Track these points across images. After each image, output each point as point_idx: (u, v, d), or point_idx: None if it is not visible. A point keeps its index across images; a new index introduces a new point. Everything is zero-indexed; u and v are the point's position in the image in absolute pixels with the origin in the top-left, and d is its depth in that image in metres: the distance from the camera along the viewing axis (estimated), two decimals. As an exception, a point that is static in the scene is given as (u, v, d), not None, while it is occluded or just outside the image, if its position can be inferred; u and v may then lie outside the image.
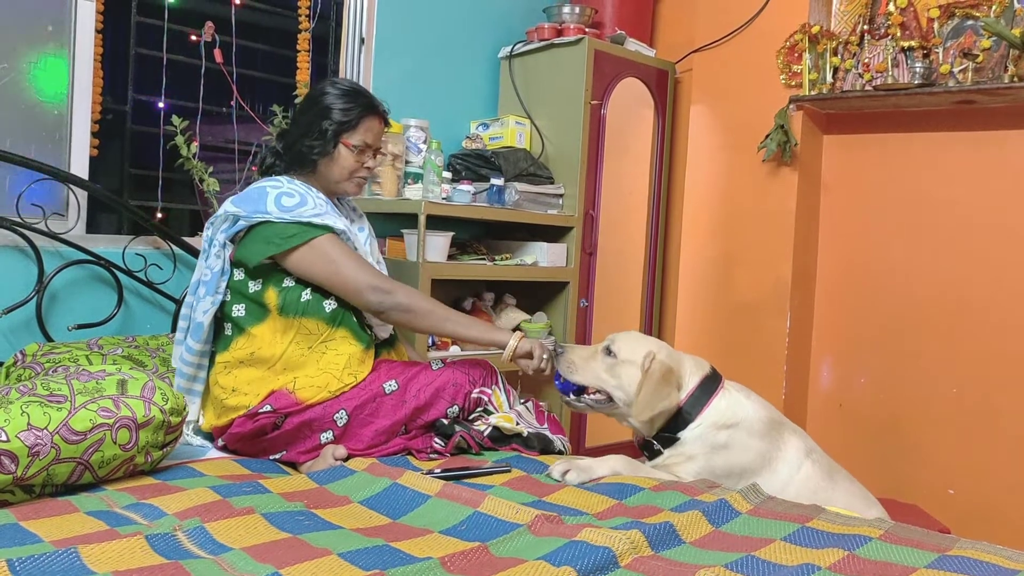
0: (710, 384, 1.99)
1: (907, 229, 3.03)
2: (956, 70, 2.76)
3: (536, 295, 3.29)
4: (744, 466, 1.93)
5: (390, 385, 2.01)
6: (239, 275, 2.05)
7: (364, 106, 2.12)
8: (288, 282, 2.02)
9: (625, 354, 2.00)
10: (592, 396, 2.04)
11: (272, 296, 2.02)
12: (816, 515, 1.57)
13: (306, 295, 2.03)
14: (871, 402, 3.09)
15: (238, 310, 2.04)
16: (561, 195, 3.28)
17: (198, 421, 2.12)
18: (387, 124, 2.21)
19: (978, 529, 2.67)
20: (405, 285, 2.06)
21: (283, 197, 2.01)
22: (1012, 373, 2.76)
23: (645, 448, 2.04)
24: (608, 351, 2.03)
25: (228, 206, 2.04)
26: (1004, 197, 2.81)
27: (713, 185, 3.37)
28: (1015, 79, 2.61)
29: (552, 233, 3.27)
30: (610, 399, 2.01)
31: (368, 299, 1.99)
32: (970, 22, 2.79)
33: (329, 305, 2.05)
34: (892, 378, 3.04)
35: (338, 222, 2.04)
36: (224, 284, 2.05)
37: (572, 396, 2.07)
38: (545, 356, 2.07)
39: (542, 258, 3.17)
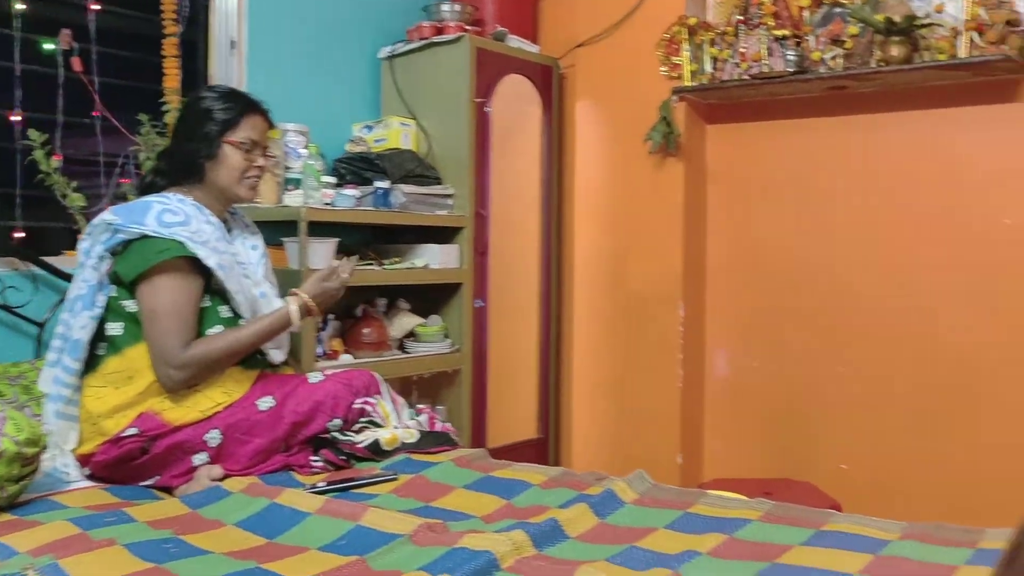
0: None
1: (790, 214, 3.09)
2: (827, 57, 2.83)
3: (430, 298, 3.23)
4: None
5: (266, 401, 1.92)
6: (115, 292, 1.95)
7: (245, 103, 2.09)
8: None
9: None
10: None
11: None
12: (697, 500, 1.57)
13: None
14: (765, 386, 3.14)
15: (114, 328, 1.94)
16: (450, 195, 3.22)
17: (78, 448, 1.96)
18: (271, 124, 2.17)
19: (871, 502, 2.73)
20: (201, 343, 1.91)
21: (166, 213, 1.93)
22: (896, 350, 2.85)
23: None
24: None
25: (106, 215, 1.95)
26: (878, 178, 2.90)
27: (603, 179, 3.38)
28: (882, 64, 2.69)
29: (443, 234, 3.21)
30: None
31: (159, 370, 1.88)
32: (838, 10, 2.87)
33: (225, 311, 1.98)
34: (784, 361, 3.10)
35: (211, 257, 1.93)
36: (103, 298, 1.95)
37: None
38: (335, 262, 2.07)
39: (433, 260, 3.12)
